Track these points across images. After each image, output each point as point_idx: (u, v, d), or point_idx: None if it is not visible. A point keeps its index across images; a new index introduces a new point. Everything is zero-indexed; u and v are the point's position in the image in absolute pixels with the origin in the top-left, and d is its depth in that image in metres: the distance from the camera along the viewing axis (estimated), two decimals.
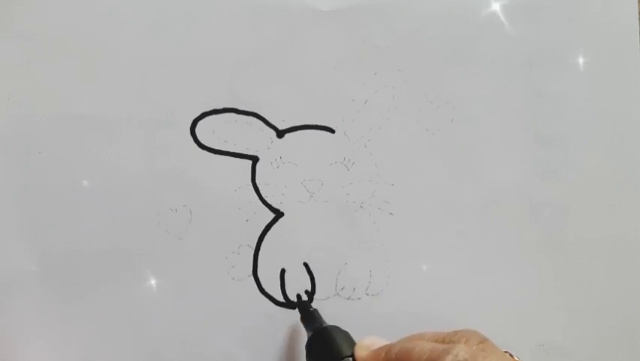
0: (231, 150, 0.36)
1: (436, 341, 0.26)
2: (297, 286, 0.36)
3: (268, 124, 0.36)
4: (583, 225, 0.38)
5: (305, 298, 0.36)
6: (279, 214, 0.36)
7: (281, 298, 0.36)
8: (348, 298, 0.37)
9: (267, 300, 0.36)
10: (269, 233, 0.36)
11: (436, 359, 0.24)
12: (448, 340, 0.25)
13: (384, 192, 0.37)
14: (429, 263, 0.37)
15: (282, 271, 0.36)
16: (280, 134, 0.36)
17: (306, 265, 0.36)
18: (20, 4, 0.34)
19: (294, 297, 0.36)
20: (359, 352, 0.28)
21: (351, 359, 0.29)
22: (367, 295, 0.37)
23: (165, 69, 0.35)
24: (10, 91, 0.34)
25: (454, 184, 0.38)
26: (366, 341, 0.29)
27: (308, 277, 0.36)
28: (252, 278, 0.36)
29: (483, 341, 0.25)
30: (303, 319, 0.35)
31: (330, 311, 0.36)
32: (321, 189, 0.37)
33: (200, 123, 0.36)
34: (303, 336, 0.34)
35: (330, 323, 0.33)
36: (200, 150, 0.36)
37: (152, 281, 0.35)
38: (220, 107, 0.36)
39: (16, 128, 0.34)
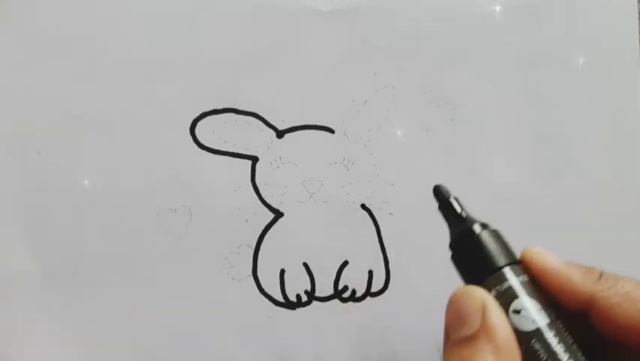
0: (231, 150, 0.36)
1: None
2: (296, 286, 0.36)
3: (268, 124, 0.36)
4: (583, 225, 0.38)
5: (305, 298, 0.36)
6: (278, 214, 0.36)
7: (281, 299, 0.36)
8: (348, 299, 0.37)
9: (266, 300, 0.36)
10: (269, 233, 0.36)
11: None
12: None
13: (384, 192, 0.37)
14: (429, 263, 0.37)
15: (282, 271, 0.36)
16: (280, 134, 0.36)
17: (305, 265, 0.36)
18: (20, 4, 0.34)
19: (294, 297, 0.36)
20: (542, 258, 0.24)
21: (518, 266, 0.23)
22: (367, 295, 0.37)
23: (165, 69, 0.35)
24: (10, 91, 0.34)
25: (454, 184, 0.38)
26: (538, 249, 0.24)
27: (308, 277, 0.36)
28: (251, 278, 0.36)
29: None
30: (441, 209, 0.28)
31: (330, 312, 0.36)
32: (320, 189, 0.37)
33: (200, 123, 0.36)
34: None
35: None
36: (200, 150, 0.36)
37: (152, 281, 0.35)
38: (220, 107, 0.36)
39: (16, 128, 0.34)
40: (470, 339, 0.20)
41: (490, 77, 0.38)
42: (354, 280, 0.37)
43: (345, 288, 0.37)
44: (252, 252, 0.36)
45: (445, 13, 0.37)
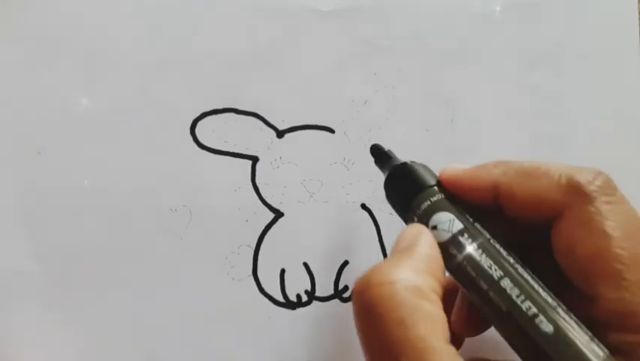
0: (231, 150, 0.36)
1: None
2: (297, 286, 0.36)
3: (268, 124, 0.36)
4: None
5: (305, 298, 0.36)
6: (278, 214, 0.36)
7: (281, 298, 0.36)
8: (349, 299, 0.37)
9: (267, 300, 0.36)
10: (269, 233, 0.36)
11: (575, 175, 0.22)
12: None
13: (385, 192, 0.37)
14: None
15: (282, 271, 0.36)
16: (280, 134, 0.36)
17: (306, 265, 0.36)
18: (20, 4, 0.34)
19: (294, 297, 0.36)
20: (451, 172, 0.25)
21: (436, 188, 0.25)
22: None
23: (165, 69, 0.35)
24: (11, 91, 0.34)
25: None
26: (452, 166, 0.26)
27: (308, 277, 0.36)
28: (251, 278, 0.36)
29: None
30: (377, 162, 0.32)
31: (330, 312, 0.36)
32: (321, 189, 0.37)
33: (200, 123, 0.36)
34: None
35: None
36: (200, 150, 0.36)
37: (152, 281, 0.35)
38: (220, 107, 0.36)
39: (16, 128, 0.34)
40: (395, 251, 0.23)
41: (490, 77, 0.38)
42: (354, 280, 0.37)
43: (346, 288, 0.37)
44: (252, 252, 0.36)
45: (445, 13, 0.38)
